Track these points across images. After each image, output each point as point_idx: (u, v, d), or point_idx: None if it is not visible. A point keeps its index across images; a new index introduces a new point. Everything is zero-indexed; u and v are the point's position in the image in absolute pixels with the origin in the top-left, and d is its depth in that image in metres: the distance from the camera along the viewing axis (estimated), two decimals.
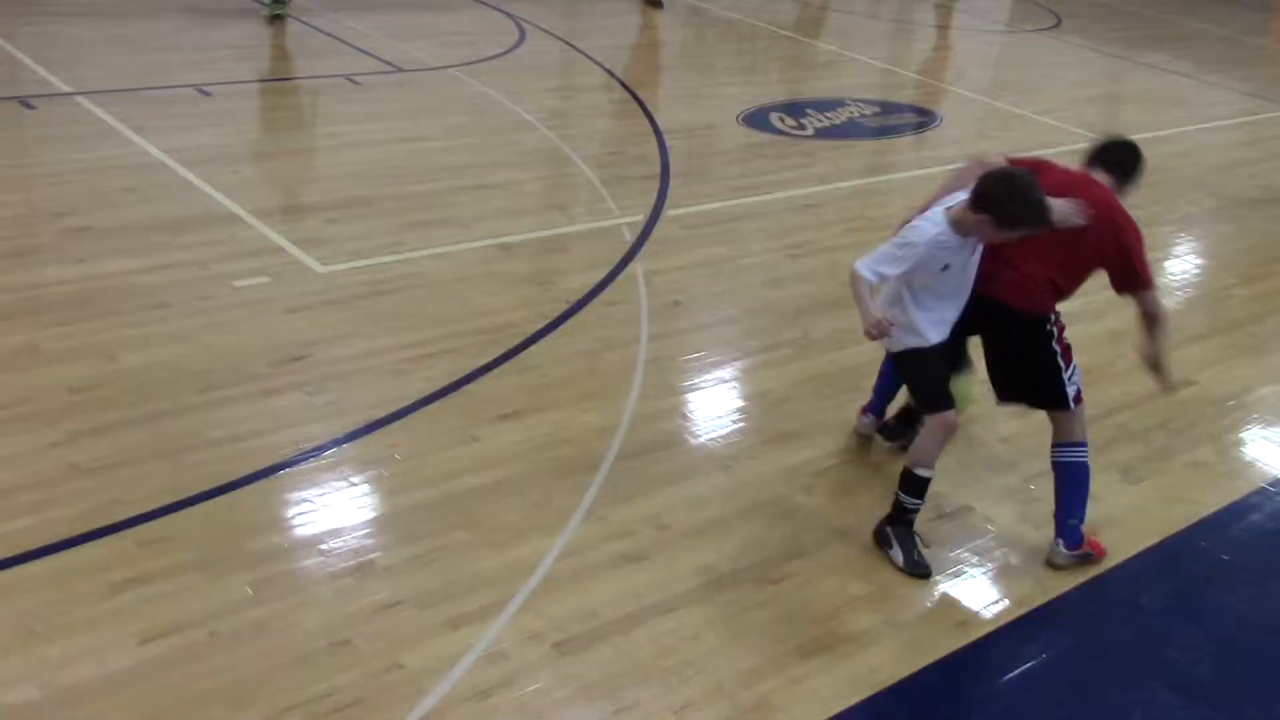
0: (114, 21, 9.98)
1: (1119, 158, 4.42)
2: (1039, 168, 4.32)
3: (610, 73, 10.17)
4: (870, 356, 5.20)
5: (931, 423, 4.30)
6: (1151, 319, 4.39)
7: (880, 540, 4.40)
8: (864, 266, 4.06)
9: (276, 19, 10.15)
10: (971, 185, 4.00)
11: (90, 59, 8.90)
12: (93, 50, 9.17)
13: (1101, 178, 4.36)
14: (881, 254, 4.10)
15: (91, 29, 9.72)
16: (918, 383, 4.37)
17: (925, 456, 4.31)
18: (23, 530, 3.92)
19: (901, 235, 4.13)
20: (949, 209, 4.08)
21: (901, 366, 4.39)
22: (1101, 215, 4.17)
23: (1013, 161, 4.33)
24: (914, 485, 4.32)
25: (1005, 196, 3.88)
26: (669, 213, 7.20)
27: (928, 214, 4.16)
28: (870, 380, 5.10)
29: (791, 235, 7.21)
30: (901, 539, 4.34)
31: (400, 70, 9.57)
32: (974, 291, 4.21)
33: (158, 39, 9.56)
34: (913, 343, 4.22)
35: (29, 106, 7.78)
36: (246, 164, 7.32)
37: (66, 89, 8.09)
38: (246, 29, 10.20)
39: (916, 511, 4.35)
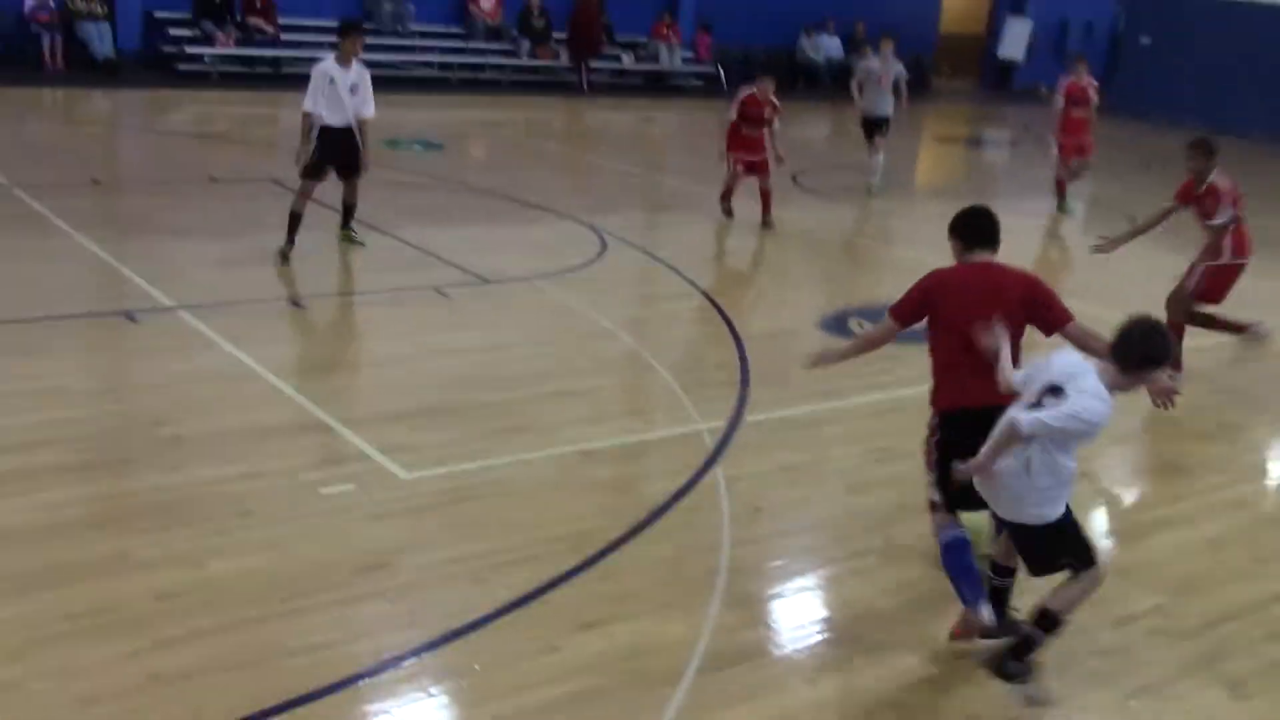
0: (216, 239, 10.43)
1: (989, 231, 5.11)
2: (971, 278, 5.02)
3: (689, 281, 10.39)
4: None
5: (1095, 573, 4.55)
6: (1092, 336, 4.79)
7: (1013, 674, 4.64)
8: (1032, 424, 4.32)
9: (351, 242, 10.47)
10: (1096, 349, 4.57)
11: (191, 274, 9.28)
12: (194, 266, 9.57)
13: (987, 254, 5.08)
14: (1063, 429, 4.31)
15: (194, 246, 10.17)
16: (1075, 540, 4.56)
17: (1074, 607, 4.59)
18: None
19: (1078, 414, 4.29)
20: (1104, 380, 4.33)
21: (1056, 532, 4.50)
22: (1027, 283, 5.01)
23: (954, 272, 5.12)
24: (1055, 628, 4.59)
25: (1156, 347, 4.35)
26: (749, 418, 7.21)
27: (1093, 390, 4.31)
28: None
29: (874, 440, 7.17)
30: (1029, 671, 4.66)
31: (486, 281, 9.86)
32: (989, 404, 4.63)
33: (255, 254, 9.95)
34: (1063, 506, 4.50)
35: (134, 320, 8.11)
36: (336, 373, 7.53)
37: (169, 303, 8.44)
38: (338, 244, 10.61)
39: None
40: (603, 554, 5.44)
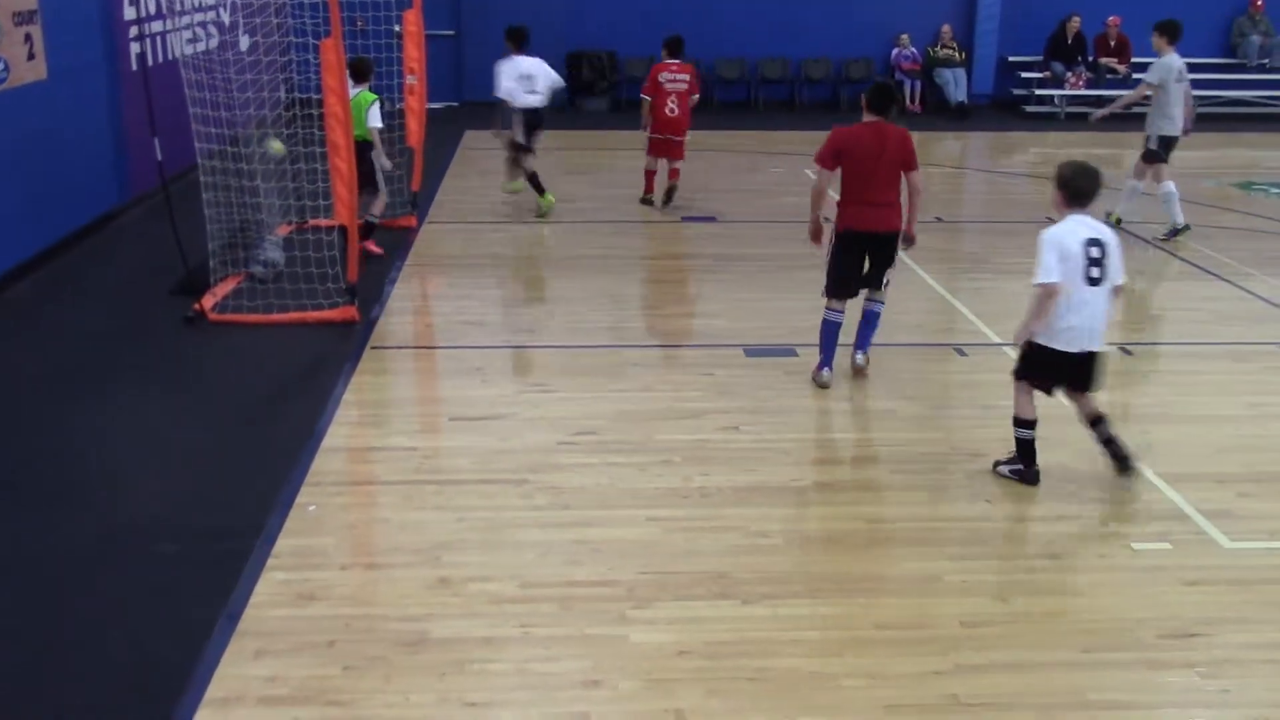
0: None
1: (883, 101, 7.45)
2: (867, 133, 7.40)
3: None
4: None
5: None
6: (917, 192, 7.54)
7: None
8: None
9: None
10: None
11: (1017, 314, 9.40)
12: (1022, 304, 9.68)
13: (871, 117, 7.43)
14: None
15: (1023, 285, 10.30)
16: None
17: None
18: None
19: None
20: None
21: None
22: (902, 137, 7.44)
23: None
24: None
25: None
26: None
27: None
28: None
29: None
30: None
31: None
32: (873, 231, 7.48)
33: None
34: None
35: (961, 354, 8.47)
36: (1159, 425, 7.20)
37: (997, 340, 8.66)
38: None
39: None
40: None
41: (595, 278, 10.25)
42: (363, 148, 10.36)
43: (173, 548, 5.63)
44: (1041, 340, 6.11)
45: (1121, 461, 6.23)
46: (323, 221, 10.21)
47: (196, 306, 8.84)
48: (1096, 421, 6.25)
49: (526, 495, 6.16)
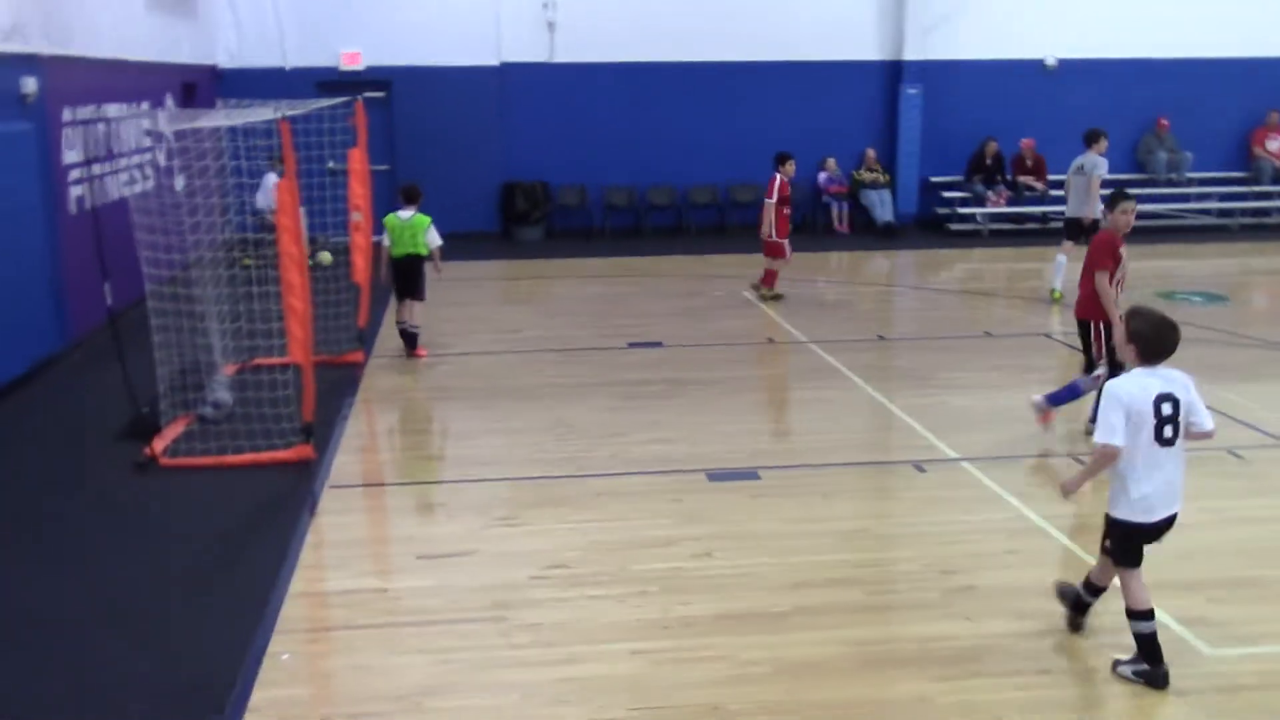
0: (993, 394, 10.67)
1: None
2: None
3: None
4: None
5: None
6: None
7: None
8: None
9: None
10: None
11: (974, 429, 9.56)
12: (975, 420, 9.85)
13: None
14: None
15: (974, 401, 10.48)
16: None
17: None
18: None
19: None
20: None
21: None
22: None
23: None
24: None
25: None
26: None
27: None
28: None
29: None
30: None
31: None
32: None
33: (1026, 409, 10.03)
34: None
35: (921, 470, 8.55)
36: None
37: (953, 455, 8.77)
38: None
39: None
40: None
41: (549, 406, 10.23)
42: (415, 263, 11.61)
43: (142, 707, 5.42)
44: (1120, 514, 5.60)
45: (1076, 624, 6.04)
46: (270, 360, 10.12)
47: (148, 451, 8.66)
48: (1096, 590, 5.92)
49: (505, 634, 6.06)
